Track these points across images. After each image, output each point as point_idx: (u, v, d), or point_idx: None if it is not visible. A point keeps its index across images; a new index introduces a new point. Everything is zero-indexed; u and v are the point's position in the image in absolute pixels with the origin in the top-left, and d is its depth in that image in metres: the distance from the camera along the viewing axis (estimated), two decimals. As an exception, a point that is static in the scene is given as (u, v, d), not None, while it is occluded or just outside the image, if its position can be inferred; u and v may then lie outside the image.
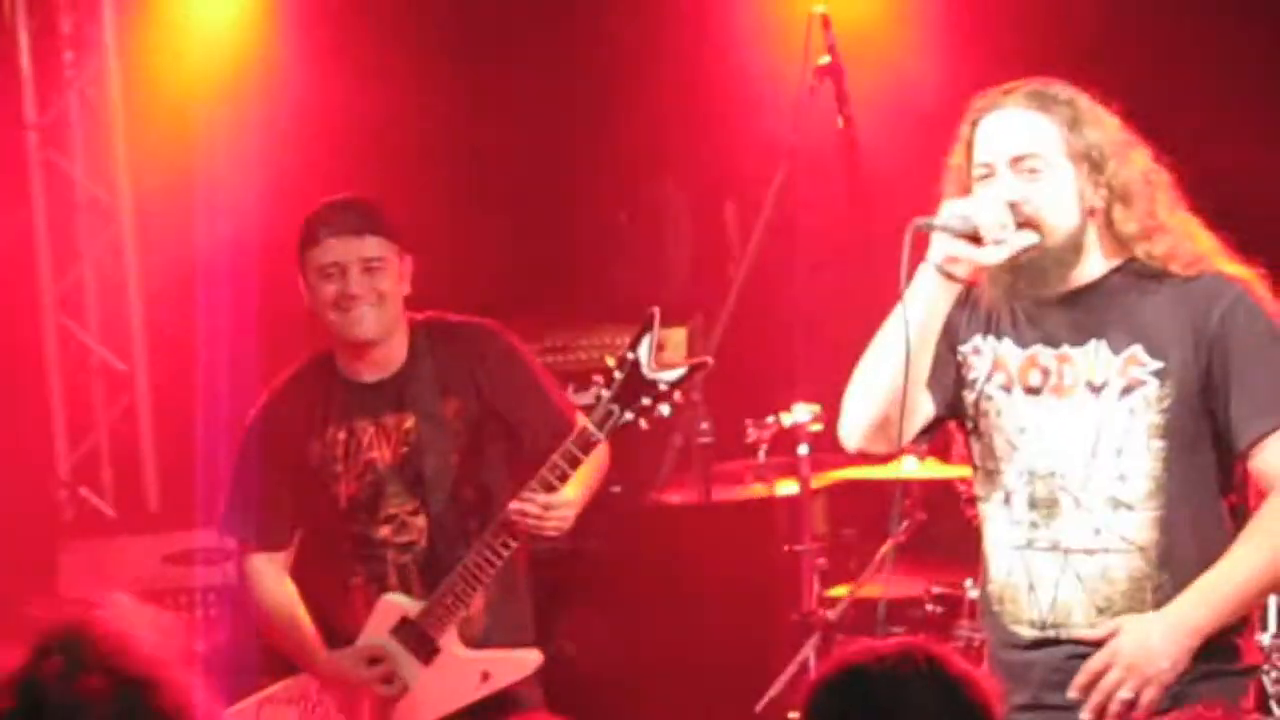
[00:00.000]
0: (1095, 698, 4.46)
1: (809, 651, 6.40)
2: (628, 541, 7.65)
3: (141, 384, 8.54)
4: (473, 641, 5.97)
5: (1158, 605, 4.53)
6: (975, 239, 4.44)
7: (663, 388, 5.73)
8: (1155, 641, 4.48)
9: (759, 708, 6.61)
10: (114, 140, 8.46)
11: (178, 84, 8.23)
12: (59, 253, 8.54)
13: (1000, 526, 4.68)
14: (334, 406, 5.97)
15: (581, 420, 5.78)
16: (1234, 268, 4.57)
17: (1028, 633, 4.64)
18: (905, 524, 6.53)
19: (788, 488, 6.78)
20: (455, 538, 5.97)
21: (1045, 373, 4.63)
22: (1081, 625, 4.59)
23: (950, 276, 4.50)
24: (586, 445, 5.74)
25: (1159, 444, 4.54)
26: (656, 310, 5.77)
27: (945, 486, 6.24)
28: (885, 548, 6.22)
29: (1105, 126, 4.58)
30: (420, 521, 6.02)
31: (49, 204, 8.49)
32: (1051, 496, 4.63)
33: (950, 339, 4.64)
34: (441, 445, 6.00)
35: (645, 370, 5.74)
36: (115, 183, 8.54)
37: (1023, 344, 4.64)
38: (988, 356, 4.67)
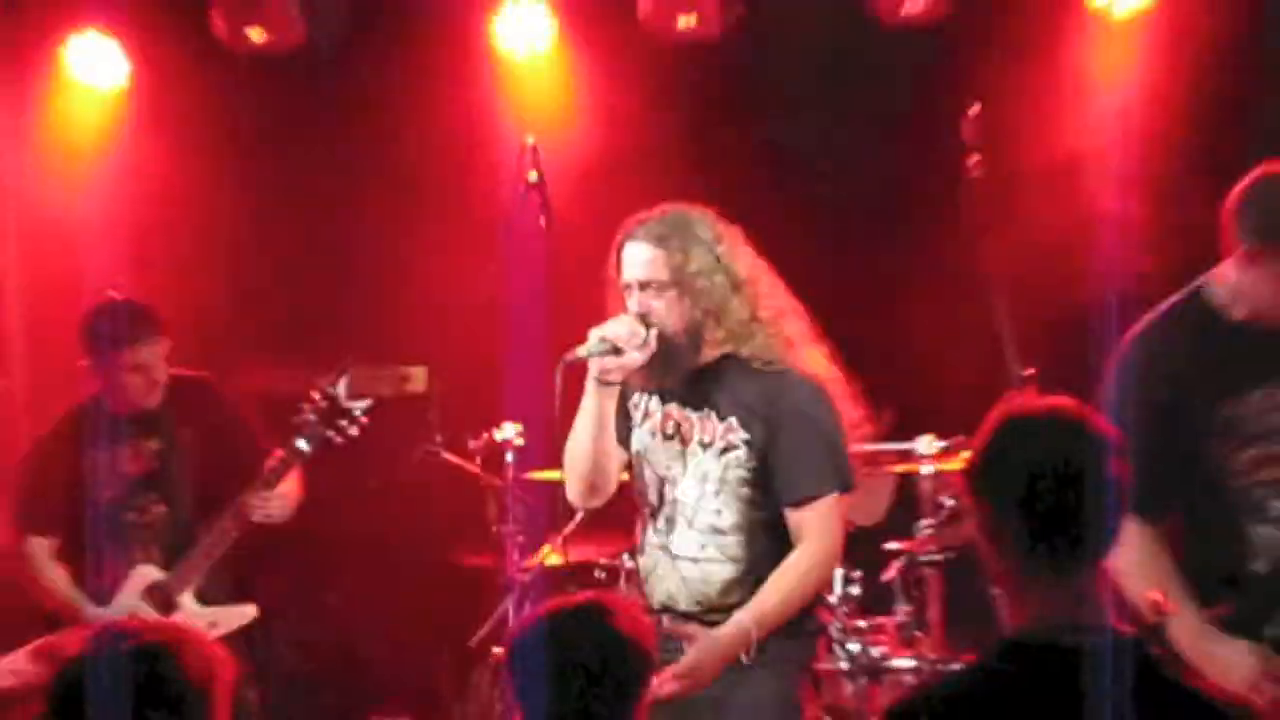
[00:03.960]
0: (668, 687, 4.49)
1: (509, 604, 6.50)
2: (380, 523, 7.76)
3: (19, 399, 7.88)
4: (201, 599, 6.06)
5: (742, 599, 4.65)
6: (618, 351, 4.63)
7: (356, 414, 5.99)
8: (707, 661, 4.57)
9: (472, 643, 6.77)
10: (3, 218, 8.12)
11: (52, 174, 8.00)
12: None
13: (648, 531, 4.84)
14: (102, 433, 6.08)
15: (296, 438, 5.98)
16: (809, 363, 4.73)
17: (656, 606, 4.80)
18: (582, 513, 6.61)
19: (498, 484, 6.76)
20: (193, 524, 6.06)
21: (677, 425, 4.79)
22: (683, 603, 4.75)
23: (608, 383, 4.70)
24: (297, 455, 5.97)
25: (745, 490, 4.70)
26: (351, 357, 6.08)
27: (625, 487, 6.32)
28: (565, 529, 6.32)
29: (707, 252, 4.69)
30: (161, 512, 6.09)
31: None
32: (673, 517, 4.78)
33: (624, 395, 4.84)
34: (178, 460, 6.09)
35: (341, 401, 5.96)
36: (3, 241, 8.10)
37: (664, 401, 4.82)
38: (643, 408, 4.86)
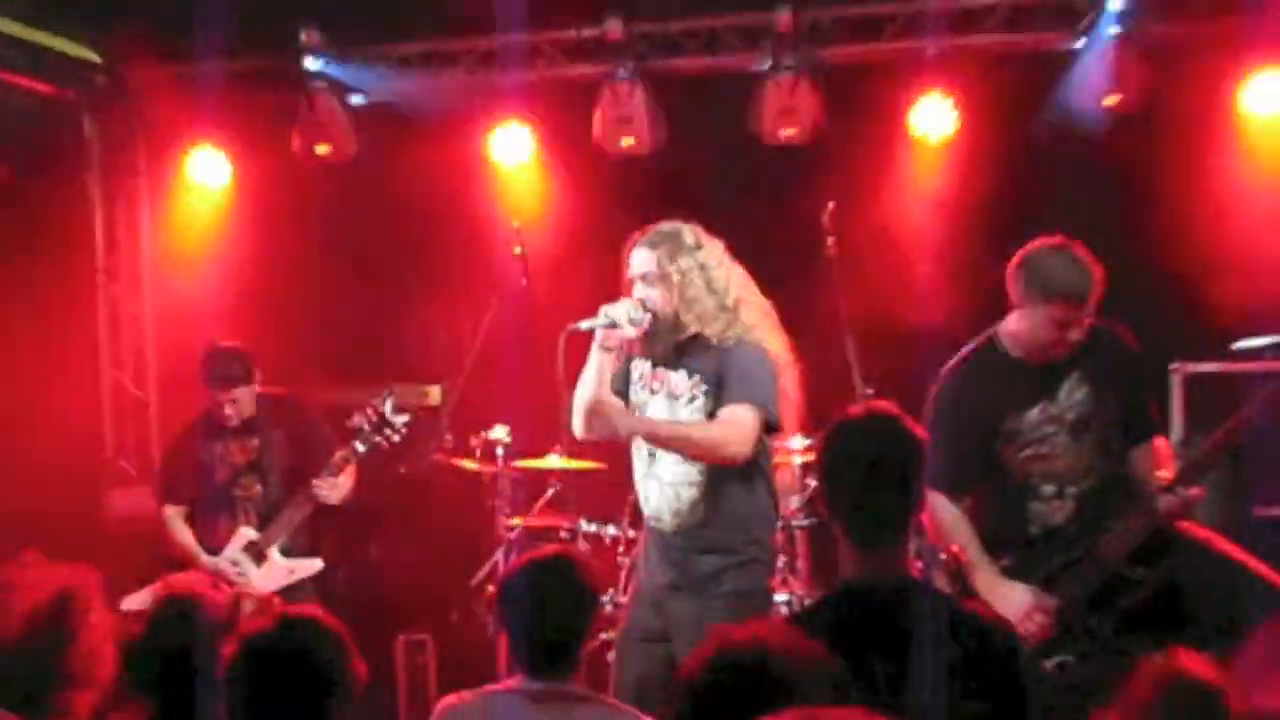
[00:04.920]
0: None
1: (499, 555, 6.58)
2: (408, 498, 7.86)
3: (153, 407, 8.24)
4: (284, 553, 6.12)
5: (705, 513, 4.50)
6: (615, 325, 4.64)
7: (398, 425, 6.03)
8: (618, 420, 4.48)
9: (472, 583, 6.80)
10: (143, 279, 8.26)
11: (178, 248, 8.16)
12: (110, 334, 8.37)
13: (640, 463, 4.84)
14: (217, 434, 6.16)
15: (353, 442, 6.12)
16: (765, 343, 4.59)
17: (651, 518, 4.77)
18: (551, 491, 6.59)
19: (491, 470, 6.87)
20: (280, 499, 6.07)
21: (661, 382, 4.79)
22: (667, 519, 4.68)
23: (607, 349, 4.72)
24: (354, 455, 6.05)
25: None
26: (394, 386, 6.03)
27: (581, 472, 6.27)
28: (541, 501, 6.28)
29: (689, 256, 4.57)
30: (258, 490, 6.15)
31: (109, 310, 8.43)
32: (655, 450, 4.72)
33: (629, 360, 4.80)
34: (271, 454, 6.12)
35: (386, 415, 5.99)
36: (142, 296, 8.19)
37: (653, 366, 4.81)
38: (639, 370, 4.88)
